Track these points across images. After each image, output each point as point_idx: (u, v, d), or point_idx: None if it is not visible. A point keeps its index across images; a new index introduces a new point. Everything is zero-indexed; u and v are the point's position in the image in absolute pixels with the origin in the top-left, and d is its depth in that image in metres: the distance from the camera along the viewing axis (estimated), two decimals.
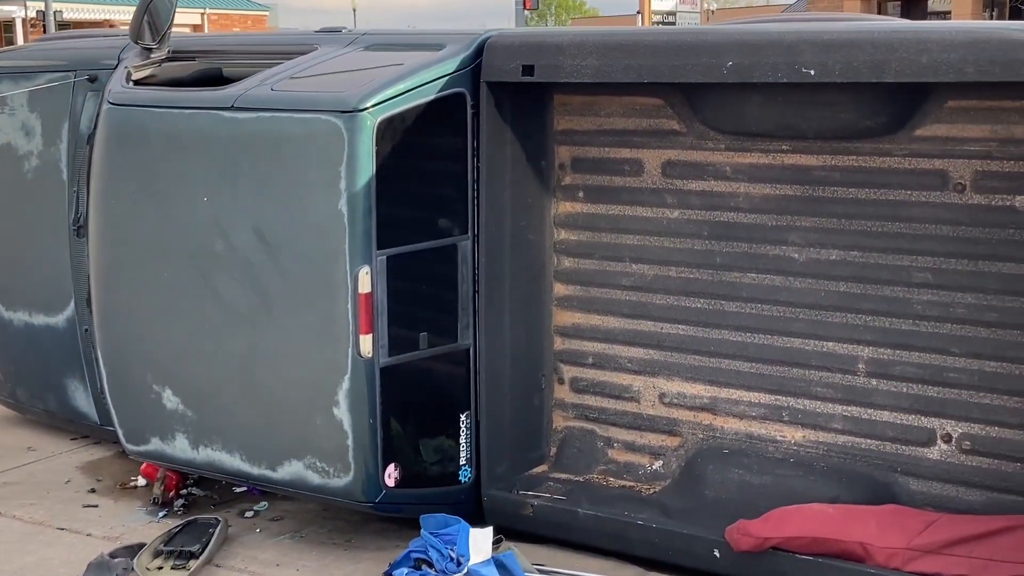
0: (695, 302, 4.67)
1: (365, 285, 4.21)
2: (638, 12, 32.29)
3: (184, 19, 44.95)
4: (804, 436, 4.53)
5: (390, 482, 4.40)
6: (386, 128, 4.21)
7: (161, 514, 5.02)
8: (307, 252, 4.30)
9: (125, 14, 43.33)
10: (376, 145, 4.18)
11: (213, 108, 4.46)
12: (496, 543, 4.31)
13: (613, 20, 49.50)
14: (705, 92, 4.34)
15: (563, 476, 4.89)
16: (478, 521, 4.63)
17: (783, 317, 4.50)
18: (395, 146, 4.27)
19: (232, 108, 4.42)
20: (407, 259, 4.37)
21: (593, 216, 4.85)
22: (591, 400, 4.97)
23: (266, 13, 48.82)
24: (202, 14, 49.09)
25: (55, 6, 37.55)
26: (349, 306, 4.22)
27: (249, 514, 5.04)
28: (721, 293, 4.61)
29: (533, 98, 4.69)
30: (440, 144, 4.46)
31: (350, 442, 4.32)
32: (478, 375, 4.63)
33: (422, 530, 4.29)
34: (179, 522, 4.78)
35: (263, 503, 5.09)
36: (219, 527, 4.69)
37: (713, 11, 50.70)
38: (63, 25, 39.79)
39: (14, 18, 41.10)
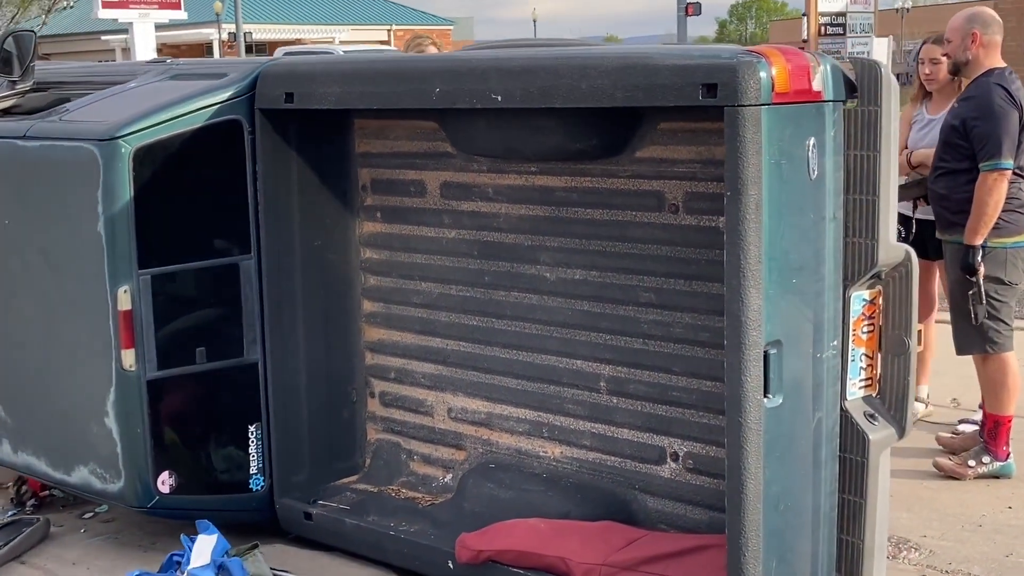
0: (471, 319, 4.79)
1: (124, 303, 4.48)
2: (804, 14, 31.49)
3: (371, 35, 46.33)
4: (562, 452, 4.60)
5: (164, 488, 4.65)
6: (145, 155, 4.46)
7: (10, 513, 5.38)
8: (77, 272, 4.60)
9: (315, 33, 45.11)
10: (133, 171, 4.44)
11: (10, 137, 4.81)
12: (250, 549, 4.51)
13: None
14: (452, 116, 4.47)
15: (365, 487, 5.06)
16: (273, 528, 4.89)
17: (540, 335, 4.58)
18: (157, 172, 4.51)
19: (24, 137, 4.76)
20: (176, 278, 4.62)
21: (389, 236, 5.02)
22: (396, 414, 5.13)
23: (450, 28, 49.97)
24: (388, 31, 50.51)
25: (246, 27, 39.19)
26: (111, 323, 4.50)
27: (88, 515, 5.35)
28: (491, 311, 4.72)
29: (331, 122, 4.89)
30: (215, 169, 4.69)
31: (119, 450, 4.59)
32: (267, 388, 4.84)
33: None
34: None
35: (104, 505, 5.40)
36: (35, 526, 5.02)
37: (908, 9, 49.33)
38: (253, 46, 41.59)
39: (212, 40, 43.08)
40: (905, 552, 4.65)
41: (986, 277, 5.18)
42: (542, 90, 3.83)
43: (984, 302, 5.12)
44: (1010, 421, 5.31)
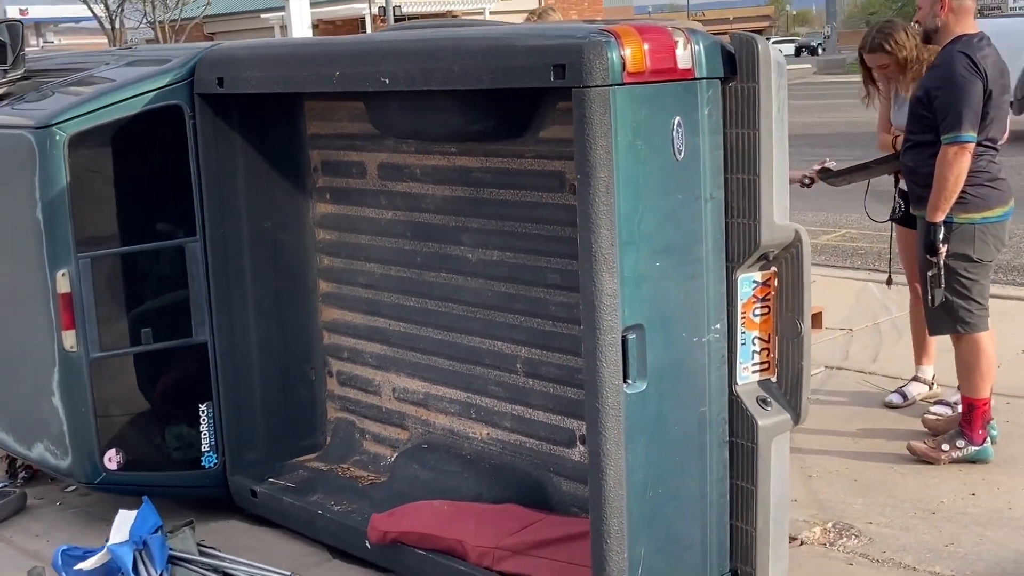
0: (409, 300, 4.82)
1: (63, 286, 4.62)
2: None
3: (522, 4, 45.94)
4: (488, 433, 4.60)
5: (111, 465, 4.80)
6: (80, 142, 4.59)
7: (3, 484, 5.62)
8: (23, 256, 4.77)
9: (464, 5, 45.29)
10: (68, 158, 4.57)
11: None
12: (184, 526, 4.63)
13: None
14: (371, 98, 4.49)
15: (319, 465, 5.14)
16: (227, 505, 5.02)
17: (466, 316, 4.58)
18: (94, 158, 4.64)
19: None
20: (117, 261, 4.74)
21: (338, 217, 5.07)
22: (350, 393, 5.19)
23: None
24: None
25: (395, 0, 39.55)
26: (51, 305, 4.65)
27: (70, 489, 5.53)
28: (424, 292, 4.74)
29: (280, 104, 4.95)
30: (156, 154, 4.80)
31: (65, 428, 4.75)
32: (216, 368, 4.94)
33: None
34: None
35: None
36: (9, 498, 5.24)
37: None
38: (402, 19, 41.95)
39: (364, 15, 43.68)
40: (844, 539, 4.52)
41: (954, 255, 4.97)
42: (422, 72, 3.81)
43: (943, 285, 4.91)
44: (985, 405, 5.09)
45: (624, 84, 3.36)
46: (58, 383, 4.73)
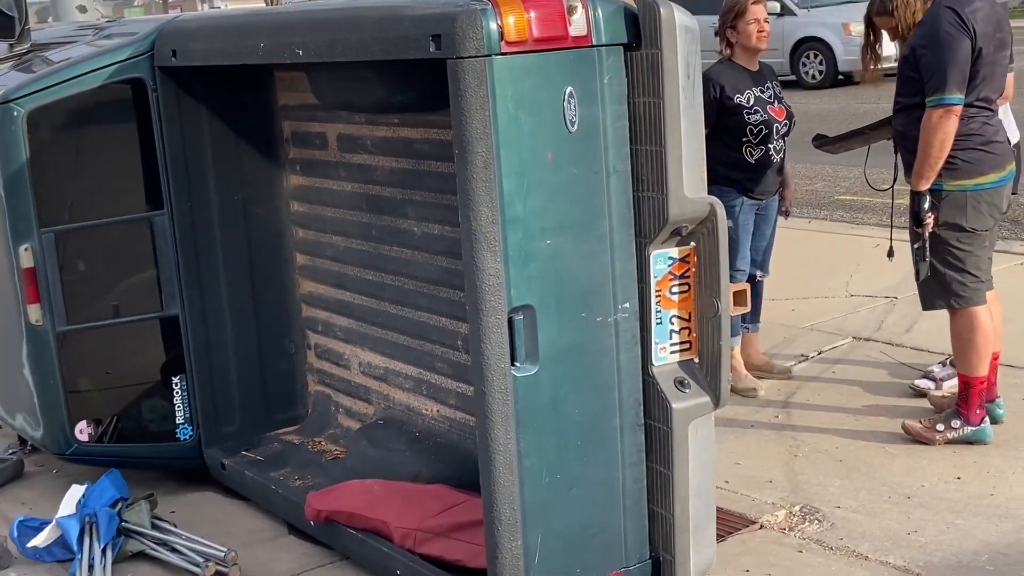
0: (368, 274, 4.75)
1: (27, 260, 4.67)
2: None
3: None
4: (437, 411, 4.52)
5: (82, 437, 4.86)
6: (40, 116, 4.62)
7: (11, 451, 5.76)
8: None
9: None
10: (28, 133, 4.61)
11: None
12: (144, 498, 4.67)
13: None
14: (311, 69, 4.42)
15: (294, 439, 5.13)
16: (207, 477, 5.05)
17: (415, 291, 4.50)
18: (56, 132, 4.67)
19: None
20: (82, 235, 4.78)
21: (308, 189, 5.02)
22: (326, 366, 5.16)
23: None
24: None
25: None
26: (16, 279, 4.72)
27: None
28: (380, 266, 4.67)
29: (249, 75, 4.90)
30: (119, 128, 4.80)
31: (36, 400, 4.83)
32: (189, 341, 4.96)
33: None
34: None
35: None
36: (4, 464, 5.37)
37: None
38: None
39: None
40: (805, 524, 4.32)
41: (945, 224, 4.68)
42: (328, 44, 3.72)
43: (927, 258, 4.62)
44: (982, 383, 4.79)
45: (503, 54, 3.21)
46: (27, 356, 4.80)
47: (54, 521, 4.40)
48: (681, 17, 3.42)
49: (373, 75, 3.99)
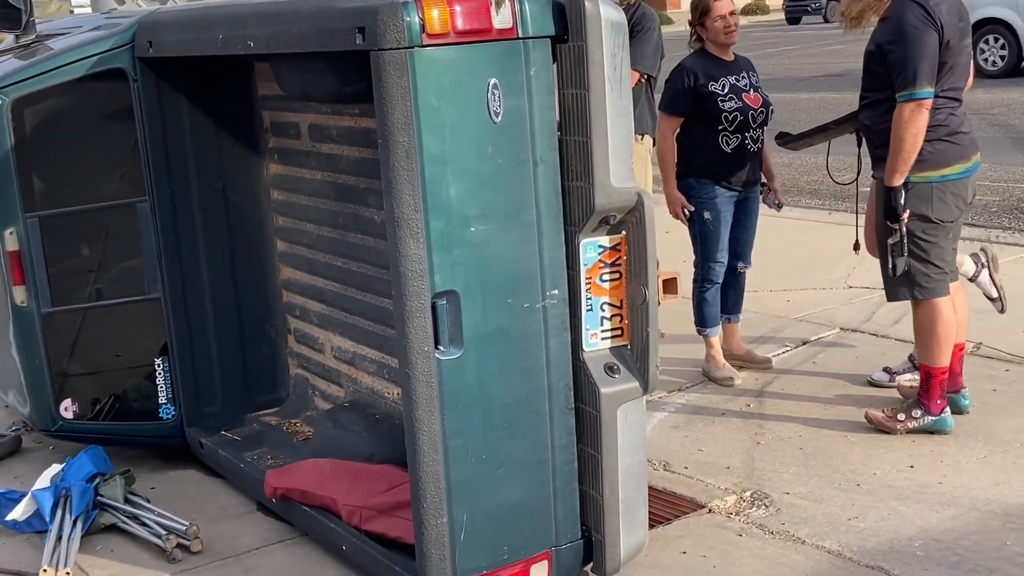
0: (337, 260, 4.89)
1: (12, 244, 4.86)
2: None
3: None
4: (398, 393, 4.63)
5: (67, 415, 5.05)
6: (24, 106, 4.80)
7: (15, 427, 5.97)
8: None
9: None
10: (12, 121, 4.79)
11: None
12: (121, 474, 4.84)
13: None
14: (273, 60, 4.55)
15: (272, 420, 5.28)
16: (187, 455, 5.22)
17: (377, 277, 4.62)
18: (39, 120, 4.85)
19: None
20: (66, 220, 4.96)
21: (285, 177, 5.17)
22: (304, 350, 5.31)
23: None
24: None
25: None
26: (2, 262, 4.91)
27: None
28: (347, 252, 4.80)
29: (229, 65, 5.05)
30: (102, 117, 4.98)
31: (23, 379, 5.03)
32: (170, 324, 5.13)
33: None
34: None
35: None
36: (5, 439, 5.58)
37: None
38: None
39: None
40: (752, 509, 4.39)
41: (911, 215, 4.71)
42: (274, 35, 3.86)
43: (906, 253, 4.65)
44: (943, 373, 4.83)
45: (425, 46, 3.31)
46: (13, 335, 4.99)
47: (30, 494, 4.58)
48: (607, 11, 3.51)
49: (326, 66, 4.11)
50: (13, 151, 4.80)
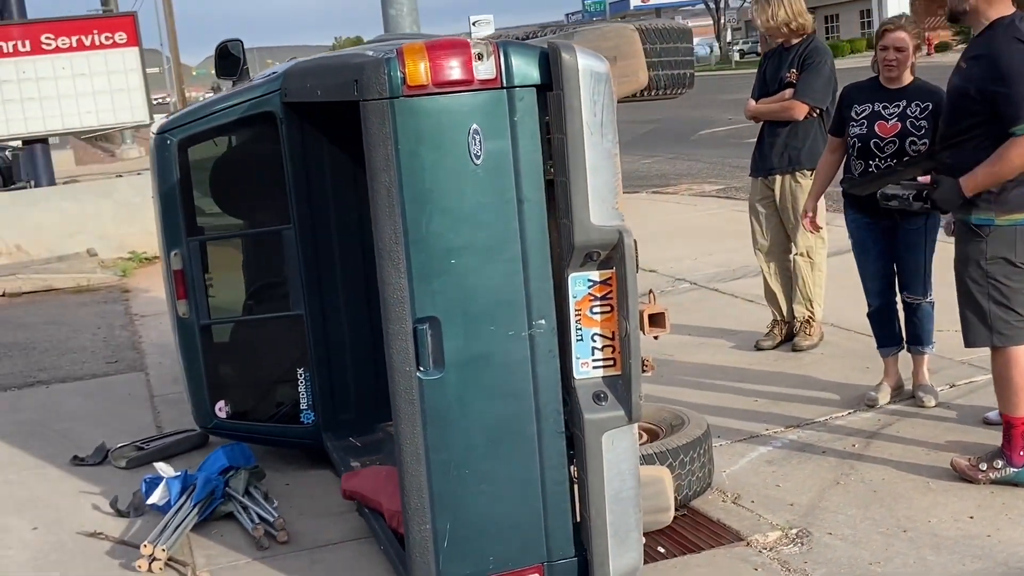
0: None
1: (176, 263, 5.61)
2: None
3: None
4: None
5: (221, 414, 5.75)
6: (188, 144, 5.55)
7: None
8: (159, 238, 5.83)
9: None
10: (179, 158, 5.55)
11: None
12: (251, 469, 5.48)
13: None
14: None
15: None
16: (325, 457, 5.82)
17: None
18: (201, 158, 5.59)
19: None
20: (222, 243, 5.68)
21: None
22: None
23: None
24: None
25: None
26: (168, 278, 5.68)
27: None
28: None
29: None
30: (254, 154, 5.66)
31: (185, 381, 5.78)
32: (311, 338, 5.73)
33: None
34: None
35: None
36: (187, 435, 6.37)
37: None
38: None
39: None
40: (786, 546, 4.43)
41: (993, 258, 4.61)
42: (324, 87, 4.38)
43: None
44: (1023, 424, 4.66)
45: (404, 97, 3.70)
46: (178, 343, 5.74)
47: (164, 480, 5.27)
48: (586, 61, 3.76)
49: None
50: (179, 184, 5.53)
